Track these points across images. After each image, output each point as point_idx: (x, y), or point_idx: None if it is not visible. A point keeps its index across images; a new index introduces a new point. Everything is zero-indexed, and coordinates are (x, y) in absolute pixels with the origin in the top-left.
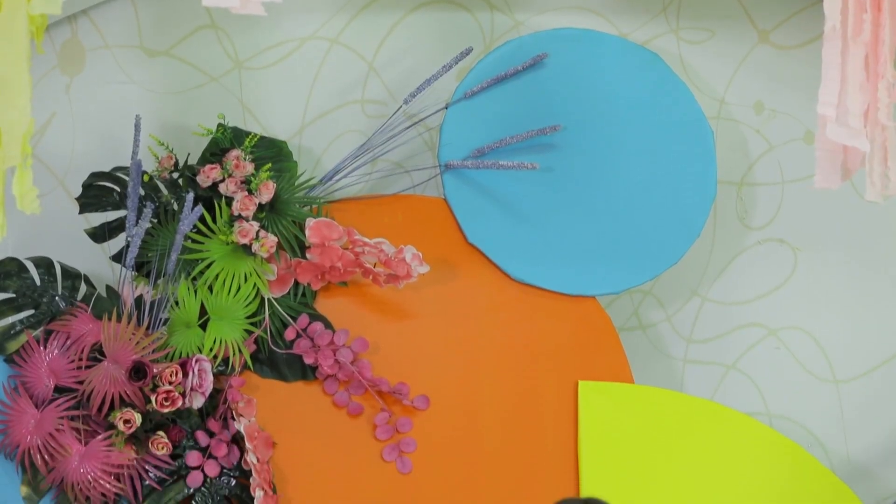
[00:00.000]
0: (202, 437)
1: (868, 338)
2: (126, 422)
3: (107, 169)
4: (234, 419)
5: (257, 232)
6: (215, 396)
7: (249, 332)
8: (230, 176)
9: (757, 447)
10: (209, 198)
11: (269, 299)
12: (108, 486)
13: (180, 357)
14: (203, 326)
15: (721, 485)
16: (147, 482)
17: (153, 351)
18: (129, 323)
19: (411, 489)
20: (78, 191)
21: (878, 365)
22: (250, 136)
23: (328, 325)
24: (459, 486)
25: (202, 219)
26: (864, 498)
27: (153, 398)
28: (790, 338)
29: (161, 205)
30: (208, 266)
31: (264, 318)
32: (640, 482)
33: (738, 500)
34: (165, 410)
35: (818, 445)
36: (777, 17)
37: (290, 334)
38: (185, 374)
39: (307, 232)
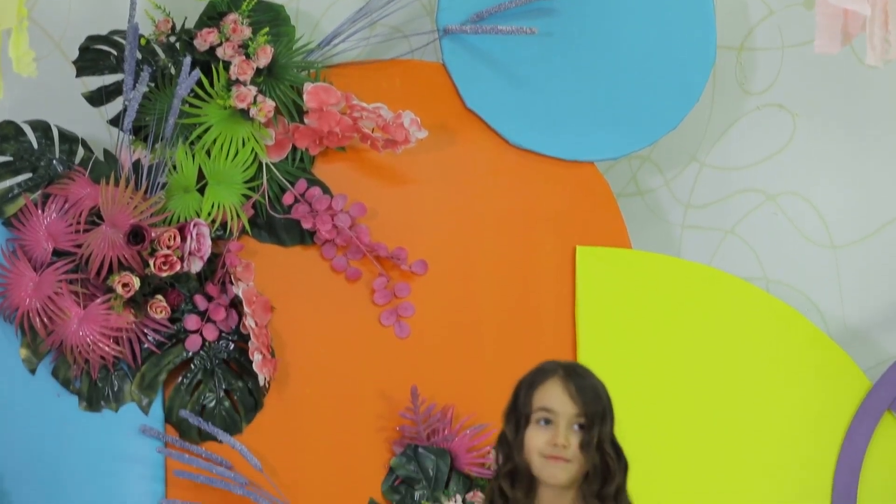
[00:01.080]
0: (201, 301)
1: (866, 203)
2: (124, 285)
3: (104, 32)
4: (232, 283)
5: (255, 96)
6: (213, 261)
7: (247, 197)
8: (227, 40)
9: (754, 312)
10: (206, 62)
11: (266, 164)
12: (106, 349)
13: (178, 221)
14: (201, 191)
15: (718, 350)
16: (146, 346)
17: (151, 215)
18: (126, 187)
19: (409, 353)
20: (75, 54)
21: (876, 230)
22: (248, 0)
23: (326, 189)
24: (457, 350)
25: (200, 83)
26: (860, 362)
27: (151, 262)
28: (788, 203)
29: (158, 69)
30: (206, 130)
31: (262, 183)
32: (637, 347)
33: (734, 365)
34: (164, 274)
35: (815, 310)
36: None
37: (288, 199)
38: (184, 239)
39: (305, 96)
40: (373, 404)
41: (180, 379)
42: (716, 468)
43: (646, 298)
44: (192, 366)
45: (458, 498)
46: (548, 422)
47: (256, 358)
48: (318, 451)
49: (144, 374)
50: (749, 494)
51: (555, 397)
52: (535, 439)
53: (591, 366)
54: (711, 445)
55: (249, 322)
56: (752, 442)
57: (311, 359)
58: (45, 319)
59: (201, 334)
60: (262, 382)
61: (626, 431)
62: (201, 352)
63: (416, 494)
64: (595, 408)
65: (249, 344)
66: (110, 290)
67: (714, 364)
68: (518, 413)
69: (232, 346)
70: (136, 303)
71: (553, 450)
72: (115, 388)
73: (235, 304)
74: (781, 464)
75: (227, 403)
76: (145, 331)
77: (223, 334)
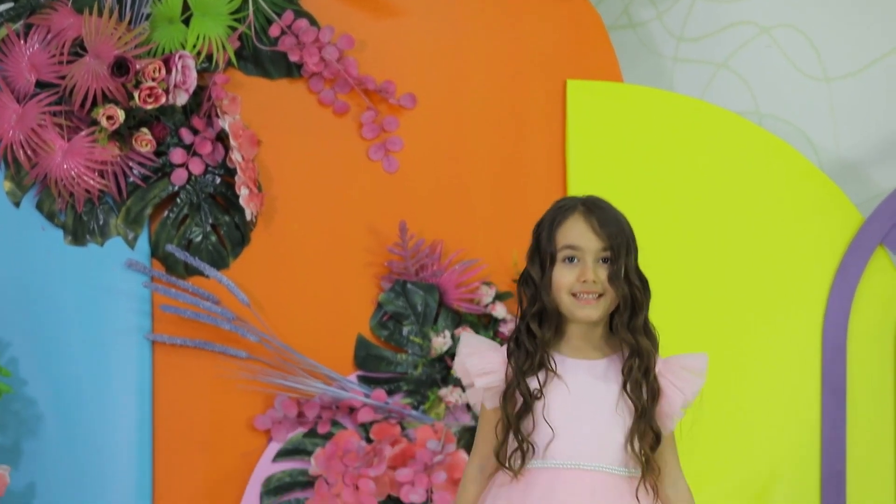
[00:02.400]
0: (186, 135)
1: (860, 35)
2: (109, 118)
3: None
4: (218, 116)
5: None
6: (199, 94)
7: (233, 29)
8: None
9: (746, 147)
10: None
11: None
12: (91, 182)
13: (163, 53)
14: (186, 22)
15: (709, 185)
16: (131, 179)
17: (135, 46)
18: (110, 17)
19: (398, 188)
20: None
21: (870, 63)
22: None
23: (313, 21)
24: (446, 185)
25: None
26: (852, 196)
27: (136, 94)
28: (782, 35)
29: None
30: None
31: (248, 14)
32: (628, 182)
33: (726, 200)
34: (149, 107)
35: (808, 144)
36: None
37: (274, 31)
38: (168, 71)
39: None
40: (361, 239)
41: (166, 213)
42: (705, 302)
43: (637, 133)
44: (178, 200)
45: (447, 333)
46: (573, 259)
47: (243, 192)
48: (306, 287)
49: (130, 208)
50: (738, 328)
51: (579, 233)
52: (564, 278)
53: None
54: (702, 280)
55: (236, 156)
56: (743, 277)
57: (299, 193)
58: (29, 152)
59: (187, 168)
60: (248, 217)
61: None
62: (187, 186)
63: (405, 330)
64: (619, 239)
65: (236, 178)
66: (95, 122)
67: (706, 199)
68: (542, 253)
69: (218, 180)
70: (121, 136)
71: (583, 286)
72: (101, 222)
73: (221, 137)
74: (772, 298)
75: (213, 238)
76: (130, 164)
77: (209, 168)
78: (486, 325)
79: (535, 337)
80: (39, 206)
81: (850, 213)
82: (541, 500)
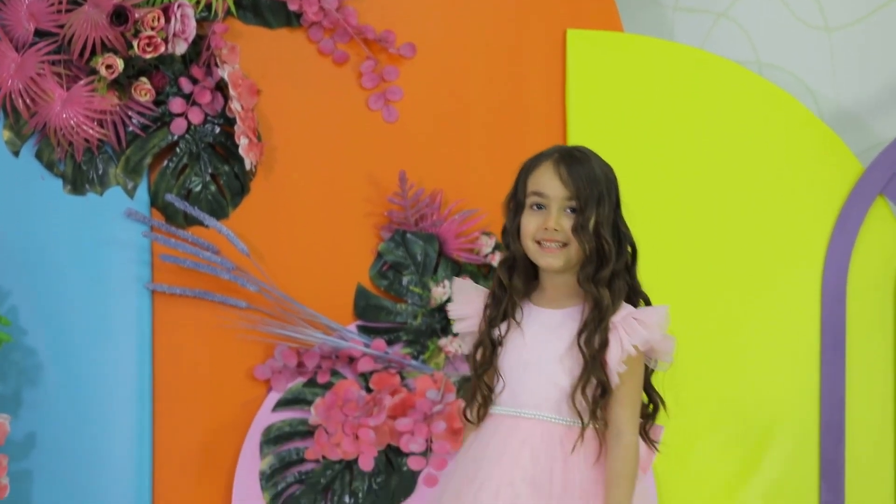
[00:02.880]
0: (186, 84)
1: None
2: (108, 67)
3: None
4: (217, 66)
5: None
6: (198, 43)
7: None
8: None
9: (746, 96)
10: None
11: None
12: (90, 131)
13: (162, 2)
14: None
15: (709, 135)
16: (130, 128)
17: None
18: None
19: (397, 138)
20: None
21: (870, 12)
22: None
23: None
24: (446, 135)
25: None
26: (852, 146)
27: (135, 43)
28: None
29: None
30: None
31: None
32: (628, 132)
33: (726, 150)
34: (148, 56)
35: (808, 94)
36: None
37: None
38: (168, 20)
39: None
40: (361, 189)
41: (165, 163)
42: (704, 251)
43: (637, 82)
44: (178, 150)
45: (446, 283)
46: (540, 206)
47: (242, 142)
48: (306, 237)
49: (129, 157)
50: (738, 278)
51: (546, 181)
52: (529, 224)
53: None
54: (701, 229)
55: (235, 105)
56: (743, 226)
57: (298, 143)
58: (28, 101)
59: (186, 118)
60: (248, 167)
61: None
62: (186, 135)
63: (404, 280)
64: (588, 190)
65: (235, 128)
66: (94, 71)
67: (705, 149)
68: (516, 200)
69: (218, 129)
70: (120, 85)
71: (545, 233)
72: (100, 172)
73: (221, 87)
74: (772, 248)
75: (213, 188)
76: (130, 113)
77: (209, 118)
78: (485, 274)
79: (501, 283)
80: (39, 156)
81: (850, 163)
82: (480, 447)
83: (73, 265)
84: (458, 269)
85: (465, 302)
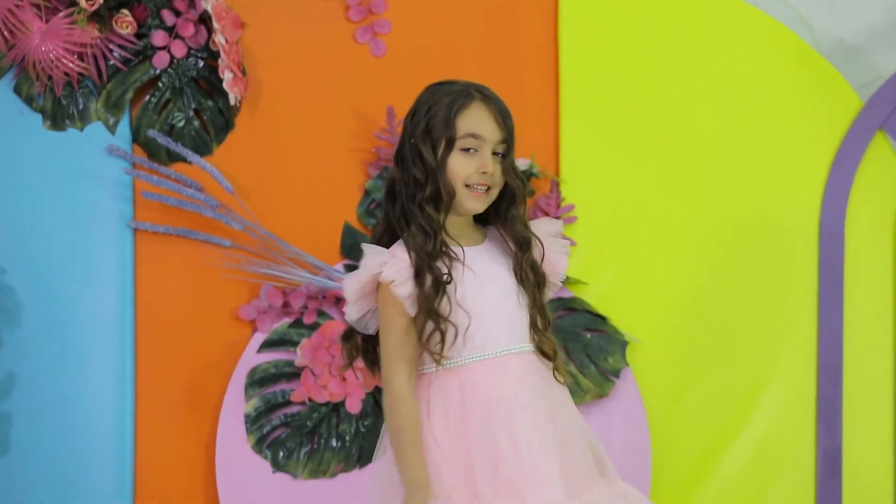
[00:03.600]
0: (168, 17)
1: None
2: None
3: None
4: None
5: None
6: None
7: None
8: None
9: (743, 29)
10: None
11: None
12: (71, 65)
13: None
14: None
15: (706, 69)
16: (111, 62)
17: None
18: None
19: (385, 72)
20: None
21: None
22: None
23: None
24: (435, 69)
25: None
26: (851, 80)
27: None
28: None
29: None
30: None
31: None
32: (622, 67)
33: (723, 84)
34: None
35: (805, 27)
36: None
37: None
38: None
39: None
40: (347, 125)
41: (148, 98)
42: (699, 186)
43: (630, 16)
44: (160, 84)
45: None
46: (470, 148)
47: (227, 76)
48: (291, 174)
49: (110, 91)
50: (734, 213)
51: (483, 123)
52: (462, 168)
53: (577, 87)
54: (697, 164)
55: (219, 38)
56: (740, 165)
57: (284, 77)
58: (6, 33)
59: (169, 51)
60: (232, 102)
61: (613, 151)
62: (169, 69)
63: None
64: (512, 132)
65: (219, 61)
66: (73, 3)
67: (702, 84)
68: (436, 135)
69: (201, 63)
70: (101, 17)
71: (481, 178)
72: (80, 107)
73: (204, 19)
74: (771, 185)
75: (196, 123)
76: (111, 46)
77: (192, 51)
78: None
79: (432, 220)
80: (17, 90)
81: (849, 98)
82: (479, 394)
83: (53, 202)
84: None
85: (393, 263)
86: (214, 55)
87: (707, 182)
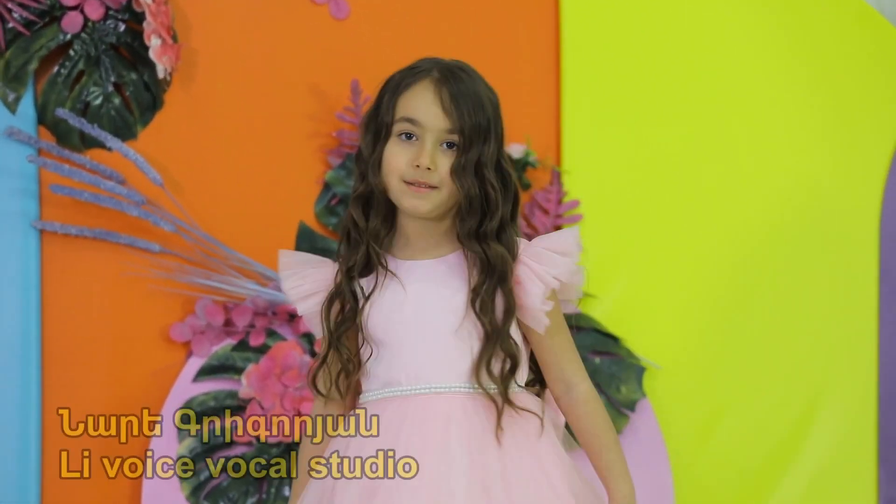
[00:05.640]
0: None
1: None
2: None
3: None
4: None
5: None
6: None
7: None
8: None
9: None
10: None
11: None
12: None
13: None
14: None
15: (738, 37)
16: (10, 25)
17: None
18: None
19: (348, 38)
20: None
21: None
22: None
23: None
24: (409, 36)
25: None
26: None
27: None
28: None
29: None
30: None
31: None
32: (634, 33)
33: (781, 53)
34: None
35: None
36: None
37: None
38: None
39: None
40: (303, 103)
41: (56, 69)
42: (731, 186)
43: None
44: (72, 52)
45: None
46: (410, 136)
47: (154, 43)
48: (234, 163)
49: (10, 61)
50: (774, 219)
51: (422, 106)
52: (395, 158)
53: (581, 56)
54: (727, 155)
55: None
56: (781, 152)
57: (224, 44)
58: None
59: (82, 11)
60: (161, 74)
61: (626, 135)
62: (83, 34)
63: None
64: (475, 121)
65: (144, 25)
66: None
67: (732, 53)
68: (378, 121)
69: (122, 27)
70: None
71: (414, 173)
72: None
73: None
74: (818, 176)
75: (116, 101)
76: (9, 5)
77: (111, 12)
78: None
79: (356, 226)
80: None
81: None
82: (386, 439)
83: None
84: None
85: (303, 277)
86: (139, 17)
87: (739, 172)
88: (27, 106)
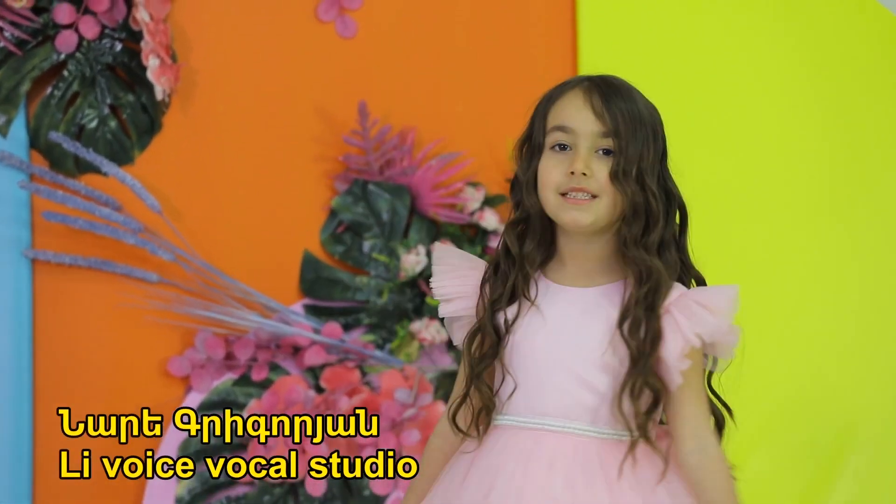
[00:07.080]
0: None
1: None
2: None
3: None
4: None
5: None
6: None
7: None
8: None
9: None
10: None
11: None
12: None
13: None
14: None
15: (771, 38)
16: (2, 44)
17: None
18: None
19: (356, 58)
20: None
21: None
22: None
23: None
24: (419, 54)
25: None
26: None
27: None
28: None
29: None
30: None
31: None
32: (657, 40)
33: (795, 54)
34: None
35: None
36: None
37: None
38: None
39: None
40: (308, 126)
41: (49, 90)
42: (765, 206)
43: None
44: (66, 73)
45: (421, 249)
46: (564, 147)
47: (152, 63)
48: (235, 188)
49: (1, 83)
50: (808, 238)
51: (572, 112)
52: (549, 171)
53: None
54: (755, 167)
55: (142, 15)
56: (805, 158)
57: (226, 64)
58: None
59: (77, 30)
60: (159, 96)
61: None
62: (77, 54)
63: (366, 245)
64: (631, 125)
65: (142, 44)
66: None
67: (766, 57)
68: (532, 142)
69: (119, 46)
70: None
71: (570, 180)
72: None
73: None
74: (853, 155)
75: (113, 124)
76: (1, 24)
77: (107, 30)
78: (471, 238)
79: (513, 254)
80: None
81: None
82: (485, 473)
83: None
84: (436, 231)
85: (454, 276)
86: (136, 36)
87: (756, 172)
88: (19, 129)
